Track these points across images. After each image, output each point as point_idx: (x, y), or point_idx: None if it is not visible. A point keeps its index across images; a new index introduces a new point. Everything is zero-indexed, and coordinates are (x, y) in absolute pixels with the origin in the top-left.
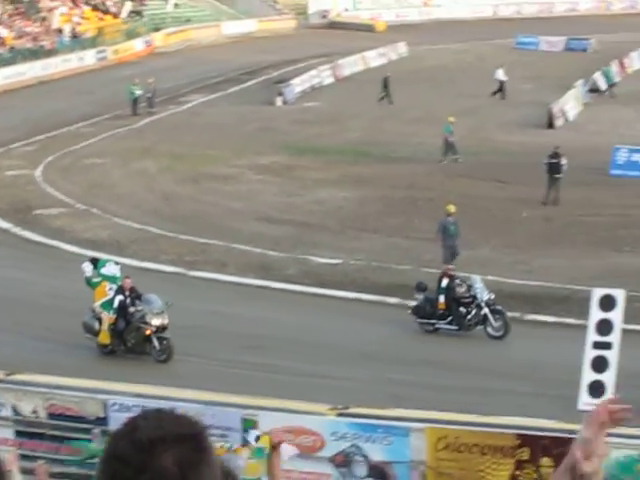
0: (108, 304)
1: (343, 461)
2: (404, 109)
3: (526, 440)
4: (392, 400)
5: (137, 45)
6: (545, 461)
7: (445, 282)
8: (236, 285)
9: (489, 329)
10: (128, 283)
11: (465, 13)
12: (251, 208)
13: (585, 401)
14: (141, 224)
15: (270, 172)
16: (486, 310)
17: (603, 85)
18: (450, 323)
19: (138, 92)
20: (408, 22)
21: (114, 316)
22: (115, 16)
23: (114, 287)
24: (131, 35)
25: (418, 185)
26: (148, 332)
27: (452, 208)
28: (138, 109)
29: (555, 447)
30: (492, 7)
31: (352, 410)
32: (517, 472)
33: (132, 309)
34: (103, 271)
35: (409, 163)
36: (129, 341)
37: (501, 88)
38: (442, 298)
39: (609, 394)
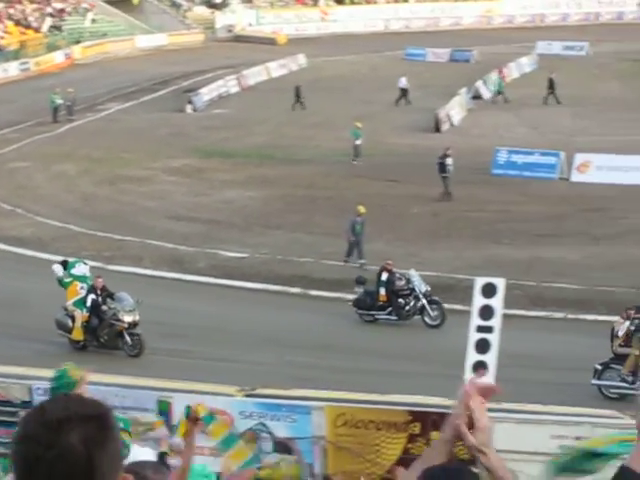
0: (80, 302)
1: (251, 438)
2: (305, 115)
3: (417, 416)
4: (295, 381)
5: (57, 57)
6: (434, 435)
7: (385, 276)
8: (152, 278)
9: (427, 319)
10: (100, 282)
11: (359, 27)
12: (164, 207)
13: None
14: (62, 222)
15: (181, 174)
16: (424, 301)
17: (485, 92)
18: (390, 314)
19: (59, 101)
20: (307, 35)
21: (87, 314)
22: (36, 30)
23: (85, 286)
24: (52, 48)
25: (317, 185)
26: (120, 328)
27: (362, 209)
28: (59, 117)
29: (443, 422)
30: (383, 22)
31: (259, 391)
32: (409, 445)
33: (105, 307)
34: (73, 271)
35: (309, 165)
36: (102, 337)
37: (404, 94)
38: (383, 291)
39: (491, 373)
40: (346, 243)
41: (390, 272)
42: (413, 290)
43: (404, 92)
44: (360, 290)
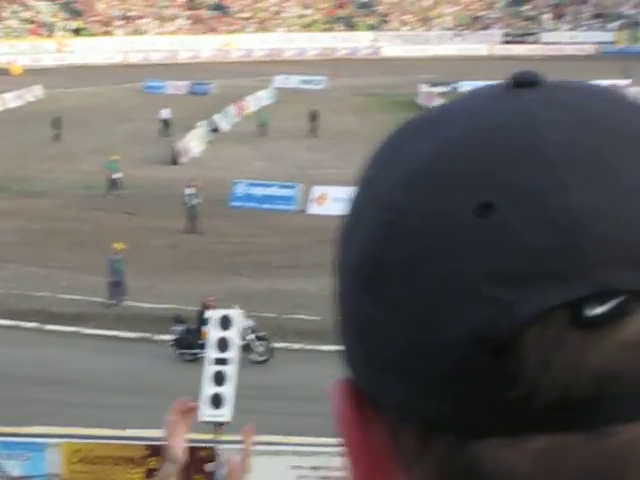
0: None
1: None
2: (42, 147)
3: (155, 450)
4: (29, 418)
5: None
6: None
7: (209, 313)
8: None
9: (252, 355)
10: None
11: (97, 59)
12: None
13: (207, 413)
14: None
15: None
16: (250, 337)
17: (224, 125)
18: None
19: None
20: (43, 66)
21: None
22: None
23: None
24: None
25: (54, 217)
26: None
27: (119, 246)
28: None
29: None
30: (122, 54)
31: None
32: None
33: None
34: None
35: (46, 197)
36: None
37: (166, 126)
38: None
39: (229, 405)
40: (107, 284)
41: (213, 309)
42: None
43: (166, 123)
44: (179, 329)
